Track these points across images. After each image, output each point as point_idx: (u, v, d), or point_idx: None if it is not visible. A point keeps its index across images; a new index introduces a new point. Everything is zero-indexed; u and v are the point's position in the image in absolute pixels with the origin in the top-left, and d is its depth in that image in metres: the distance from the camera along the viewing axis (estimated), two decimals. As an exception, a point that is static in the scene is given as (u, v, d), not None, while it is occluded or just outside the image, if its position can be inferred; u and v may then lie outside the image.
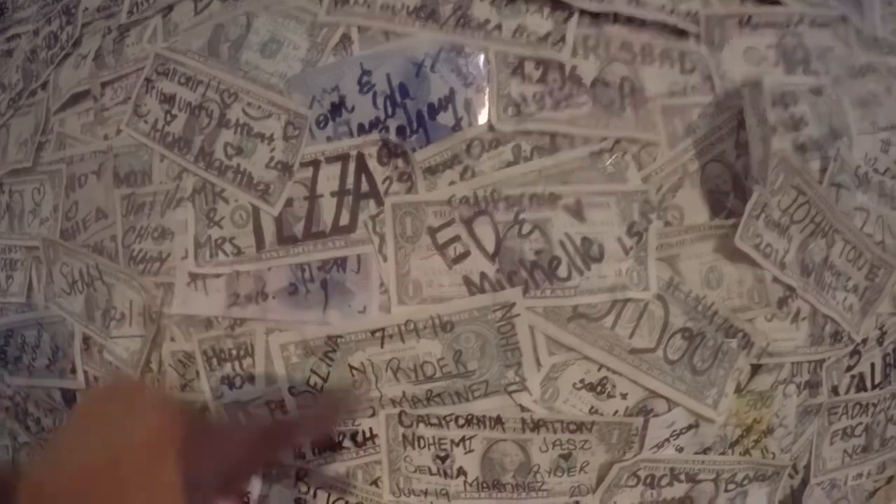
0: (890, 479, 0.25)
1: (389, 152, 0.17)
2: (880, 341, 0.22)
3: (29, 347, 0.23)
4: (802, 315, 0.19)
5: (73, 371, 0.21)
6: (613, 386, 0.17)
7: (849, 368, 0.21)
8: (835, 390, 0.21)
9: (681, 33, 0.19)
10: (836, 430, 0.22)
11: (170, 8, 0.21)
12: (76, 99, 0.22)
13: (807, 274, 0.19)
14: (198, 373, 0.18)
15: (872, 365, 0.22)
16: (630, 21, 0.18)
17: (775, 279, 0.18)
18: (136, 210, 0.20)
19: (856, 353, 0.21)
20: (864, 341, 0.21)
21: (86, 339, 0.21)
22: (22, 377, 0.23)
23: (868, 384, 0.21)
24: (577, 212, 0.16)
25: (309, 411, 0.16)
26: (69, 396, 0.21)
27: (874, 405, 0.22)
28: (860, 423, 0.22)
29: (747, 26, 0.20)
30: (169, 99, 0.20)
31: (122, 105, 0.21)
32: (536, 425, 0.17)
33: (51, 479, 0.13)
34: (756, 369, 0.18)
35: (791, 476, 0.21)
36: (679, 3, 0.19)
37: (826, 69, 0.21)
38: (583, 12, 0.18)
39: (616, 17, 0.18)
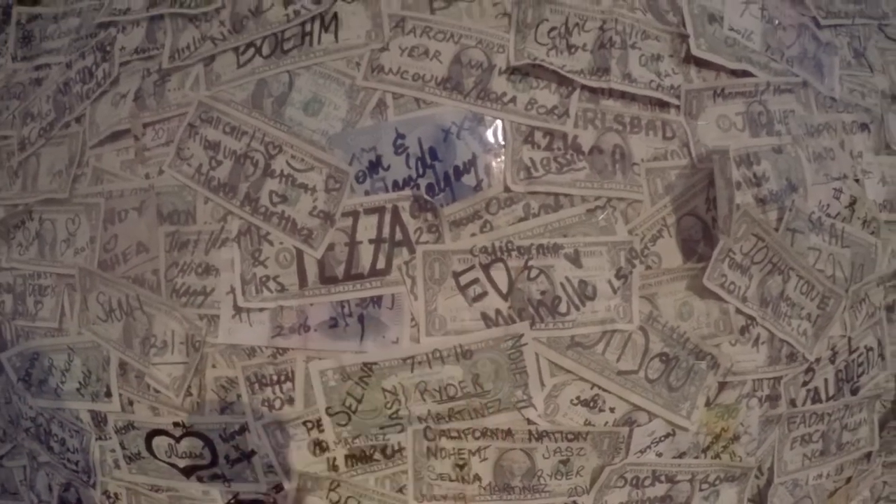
0: (848, 480, 0.32)
1: (420, 207, 0.23)
2: (832, 360, 0.29)
3: (57, 371, 0.28)
4: (762, 340, 0.26)
5: (108, 394, 0.25)
6: (604, 401, 0.23)
7: (805, 383, 0.28)
8: (793, 402, 0.28)
9: (664, 105, 0.26)
10: (796, 437, 0.29)
11: (212, 58, 0.26)
12: (115, 136, 0.27)
13: (765, 305, 0.26)
14: (239, 396, 0.24)
15: (826, 380, 0.29)
16: (623, 95, 0.25)
17: (738, 311, 0.25)
18: (179, 247, 0.25)
19: (810, 370, 0.28)
20: (818, 360, 0.28)
21: (122, 365, 0.25)
22: (47, 399, 0.27)
23: (823, 397, 0.29)
24: (575, 259, 0.23)
25: None
26: (99, 418, 0.25)
27: (829, 415, 0.29)
28: (817, 431, 0.29)
29: (720, 96, 0.27)
30: (213, 146, 0.25)
31: (164, 147, 0.26)
32: (540, 436, 0.23)
33: None
34: (722, 386, 0.25)
35: (757, 477, 0.28)
36: (664, 78, 0.26)
37: (787, 129, 0.28)
38: (583, 87, 0.24)
39: (611, 92, 0.25)
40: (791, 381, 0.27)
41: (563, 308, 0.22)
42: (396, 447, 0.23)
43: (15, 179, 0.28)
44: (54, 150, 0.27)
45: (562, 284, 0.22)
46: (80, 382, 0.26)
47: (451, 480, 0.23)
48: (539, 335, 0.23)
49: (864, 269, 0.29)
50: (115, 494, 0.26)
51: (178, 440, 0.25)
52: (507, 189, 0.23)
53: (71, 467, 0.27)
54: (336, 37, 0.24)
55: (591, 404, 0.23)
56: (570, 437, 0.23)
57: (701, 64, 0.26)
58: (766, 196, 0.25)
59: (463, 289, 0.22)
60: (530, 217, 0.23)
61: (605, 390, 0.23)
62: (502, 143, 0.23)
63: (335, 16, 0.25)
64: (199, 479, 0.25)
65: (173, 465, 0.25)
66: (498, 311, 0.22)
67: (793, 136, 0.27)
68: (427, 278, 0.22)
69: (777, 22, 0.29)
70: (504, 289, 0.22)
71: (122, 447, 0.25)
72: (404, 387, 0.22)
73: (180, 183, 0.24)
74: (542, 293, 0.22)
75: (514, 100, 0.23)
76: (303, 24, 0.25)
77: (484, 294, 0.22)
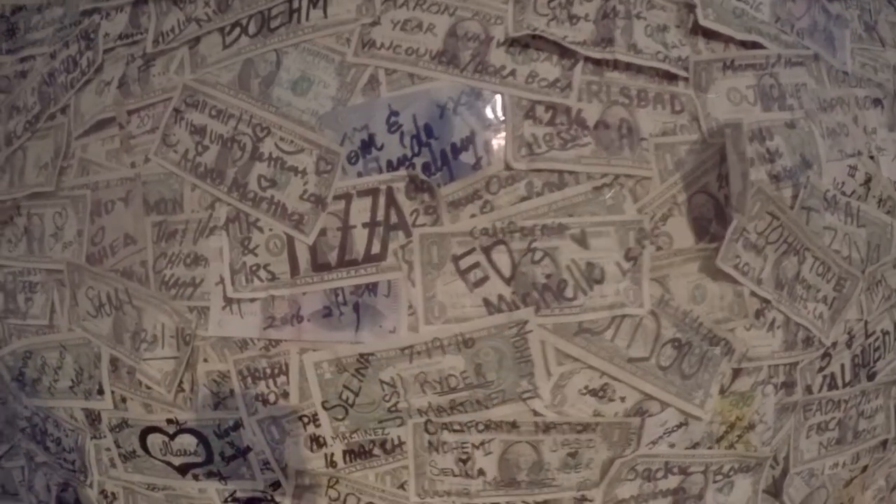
0: (864, 469, 0.30)
1: (416, 188, 0.21)
2: (849, 344, 0.27)
3: (50, 369, 0.26)
4: (777, 324, 0.24)
5: (101, 392, 0.24)
6: (613, 391, 0.21)
7: (821, 369, 0.26)
8: (808, 389, 0.26)
9: (672, 77, 0.23)
10: (812, 425, 0.27)
11: (197, 40, 0.24)
12: (100, 125, 0.25)
13: (780, 288, 0.23)
14: (232, 391, 0.22)
15: (842, 366, 0.27)
16: (628, 67, 0.22)
17: (752, 293, 0.23)
18: (167, 237, 0.23)
19: (826, 355, 0.26)
20: (834, 345, 0.26)
21: (113, 361, 0.24)
22: (42, 398, 0.25)
23: (839, 383, 0.27)
24: (581, 240, 0.21)
25: None
26: (93, 416, 0.24)
27: (845, 402, 0.27)
28: (833, 418, 0.27)
29: (730, 69, 0.24)
30: (199, 130, 0.23)
31: (149, 134, 0.24)
32: (547, 428, 0.21)
33: None
34: (737, 373, 0.23)
35: (773, 467, 0.26)
36: (671, 50, 0.23)
37: (800, 104, 0.26)
38: (587, 59, 0.22)
39: (616, 64, 0.22)
40: (807, 367, 0.25)
41: (569, 292, 0.20)
42: (396, 442, 0.21)
43: (2, 175, 0.26)
44: (40, 143, 0.26)
45: (568, 267, 0.20)
46: (72, 380, 0.24)
47: (454, 475, 0.21)
48: (545, 321, 0.20)
49: (880, 250, 0.26)
50: (113, 494, 0.24)
51: (171, 437, 0.23)
52: (507, 167, 0.21)
53: (67, 467, 0.25)
54: (325, 12, 0.22)
55: (601, 394, 0.21)
56: (578, 428, 0.21)
57: (708, 35, 0.23)
58: (780, 173, 0.23)
59: (463, 273, 0.20)
60: (533, 196, 0.20)
61: (615, 379, 0.21)
62: (502, 118, 0.21)
63: (324, -10, 0.24)
64: (195, 477, 0.23)
65: (168, 464, 0.23)
66: (501, 297, 0.20)
67: (805, 111, 0.24)
68: (425, 263, 0.20)
69: (786, -8, 0.28)
70: (507, 273, 0.20)
71: (117, 445, 0.24)
72: (403, 378, 0.20)
73: (166, 171, 0.22)
74: (548, 277, 0.20)
75: (513, 73, 0.21)
76: (290, 0, 0.23)
77: (485, 279, 0.20)
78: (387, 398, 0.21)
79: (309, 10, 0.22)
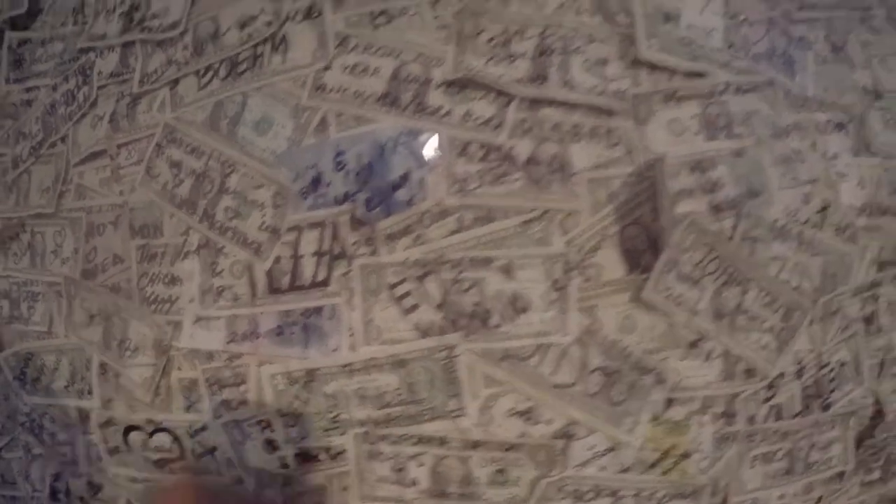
0: (819, 500, 0.30)
1: (358, 222, 0.23)
2: (798, 375, 0.27)
3: (48, 370, 0.30)
4: (715, 354, 0.25)
5: (91, 392, 0.28)
6: (540, 413, 0.23)
7: (766, 400, 0.26)
8: (752, 419, 0.26)
9: (609, 111, 0.24)
10: (756, 455, 0.27)
11: (176, 81, 0.27)
12: (94, 156, 0.29)
13: (720, 318, 0.24)
14: (201, 396, 0.25)
15: (791, 396, 0.27)
16: (563, 103, 0.24)
17: (687, 324, 0.24)
18: (149, 258, 0.27)
19: (772, 386, 0.26)
20: (781, 376, 0.26)
21: (102, 366, 0.28)
22: (40, 396, 0.30)
23: (786, 414, 0.27)
24: (507, 271, 0.23)
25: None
26: (84, 414, 0.28)
27: (795, 433, 0.27)
28: (780, 449, 0.27)
29: (672, 100, 0.25)
30: (177, 164, 0.26)
31: (135, 166, 0.27)
32: (475, 445, 0.23)
33: None
34: (671, 401, 0.24)
35: (714, 494, 0.27)
36: (609, 83, 0.25)
37: (750, 131, 0.26)
38: (521, 96, 0.24)
39: (551, 101, 0.24)
40: (750, 398, 0.25)
41: (494, 320, 0.22)
42: (340, 449, 0.24)
43: (10, 194, 0.31)
44: (43, 168, 0.30)
45: (494, 297, 0.22)
46: (67, 381, 0.29)
47: (391, 483, 0.24)
48: (472, 346, 0.23)
49: (836, 279, 0.26)
50: (99, 484, 0.28)
51: (150, 435, 0.26)
52: (440, 202, 0.23)
53: (60, 458, 0.29)
54: (284, 57, 0.25)
55: (527, 416, 0.23)
56: (505, 447, 0.23)
57: (653, 66, 0.24)
58: (722, 203, 0.23)
59: (397, 300, 0.23)
60: (463, 230, 0.23)
61: (540, 403, 0.23)
62: (437, 156, 0.23)
63: (284, 37, 0.25)
64: (171, 472, 0.26)
65: (147, 458, 0.26)
66: (431, 322, 0.23)
67: (756, 138, 0.25)
68: (364, 290, 0.23)
69: (743, 17, 0.27)
70: (437, 300, 0.22)
71: (104, 441, 0.27)
72: (344, 392, 0.23)
73: (149, 199, 0.26)
74: (475, 305, 0.22)
75: (449, 112, 0.23)
76: (255, 46, 0.26)
77: (417, 305, 0.23)
78: (330, 409, 0.23)
79: (271, 55, 0.25)
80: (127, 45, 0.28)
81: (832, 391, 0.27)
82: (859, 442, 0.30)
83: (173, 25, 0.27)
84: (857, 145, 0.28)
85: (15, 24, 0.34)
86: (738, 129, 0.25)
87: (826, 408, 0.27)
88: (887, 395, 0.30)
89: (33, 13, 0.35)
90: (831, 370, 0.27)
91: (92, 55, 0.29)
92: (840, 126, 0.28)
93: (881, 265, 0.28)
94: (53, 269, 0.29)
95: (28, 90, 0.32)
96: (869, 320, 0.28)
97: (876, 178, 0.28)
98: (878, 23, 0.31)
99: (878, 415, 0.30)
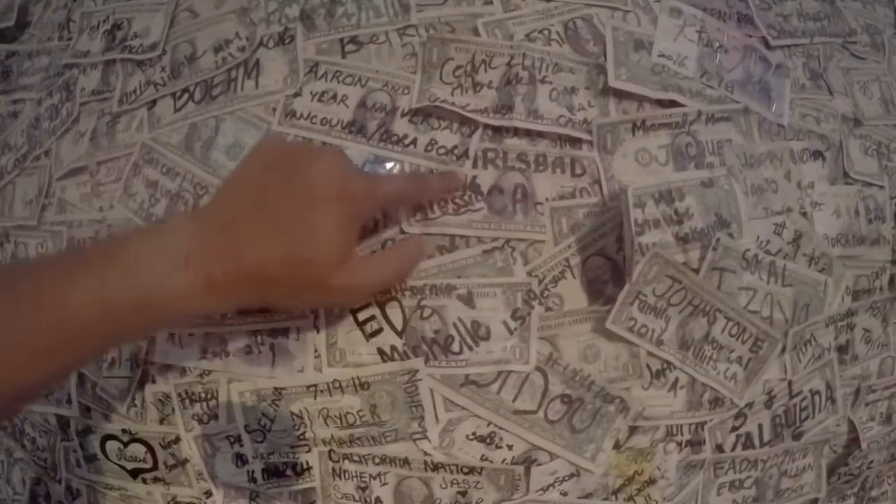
0: None
1: None
2: (768, 405, 0.28)
3: None
4: (681, 384, 0.26)
5: (69, 401, 0.29)
6: (501, 438, 0.24)
7: (734, 429, 0.27)
8: (719, 448, 0.27)
9: (576, 141, 0.25)
10: (724, 482, 0.28)
11: (154, 102, 0.28)
12: (75, 171, 0.30)
13: (686, 348, 0.25)
14: (173, 409, 0.27)
15: (760, 425, 0.28)
16: (528, 133, 0.25)
17: (651, 353, 0.25)
18: (125, 275, 0.28)
19: (741, 415, 0.27)
20: (750, 405, 0.27)
21: (80, 376, 0.29)
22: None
23: (756, 442, 0.28)
24: (468, 300, 0.24)
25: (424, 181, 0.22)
26: (63, 422, 0.29)
27: (763, 461, 0.28)
28: (749, 476, 0.28)
29: (640, 129, 0.26)
30: (153, 184, 0.28)
31: (114, 183, 0.29)
32: (436, 466, 0.24)
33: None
34: (634, 429, 0.25)
35: None
36: (576, 112, 0.25)
37: (721, 161, 0.27)
38: (487, 126, 0.25)
39: (517, 130, 0.25)
40: (717, 426, 0.26)
41: (455, 347, 0.23)
42: (305, 466, 0.25)
43: (-4, 204, 0.34)
44: (27, 180, 0.31)
45: (454, 324, 0.23)
46: (48, 389, 0.31)
47: (355, 501, 0.25)
48: (433, 372, 0.24)
49: (809, 309, 0.27)
50: (77, 490, 0.30)
51: (125, 445, 0.28)
52: (402, 230, 0.24)
53: (41, 464, 0.31)
54: (256, 83, 0.26)
55: (488, 440, 0.24)
56: (465, 470, 0.24)
57: (622, 95, 0.25)
58: (689, 234, 0.24)
59: (361, 324, 0.24)
60: (425, 258, 0.24)
61: (501, 428, 0.24)
62: None
63: (257, 62, 0.26)
64: (144, 481, 0.28)
65: (122, 467, 0.28)
66: (393, 347, 0.24)
67: (727, 168, 0.26)
68: (328, 313, 0.24)
69: (718, 45, 0.27)
70: (399, 326, 0.23)
71: (82, 448, 0.29)
72: (309, 412, 0.24)
73: (127, 217, 0.27)
74: (436, 332, 0.23)
75: (414, 141, 0.24)
76: (229, 70, 0.27)
77: (380, 330, 0.24)
78: (296, 427, 0.25)
79: (244, 81, 0.26)
80: (108, 64, 0.30)
81: (804, 420, 0.28)
82: (832, 469, 0.31)
83: (153, 46, 0.29)
84: (835, 174, 0.29)
85: (3, 35, 0.36)
86: (709, 159, 0.26)
87: (798, 436, 0.28)
88: (863, 423, 0.30)
89: (21, 26, 0.37)
90: (803, 399, 0.28)
91: (76, 71, 0.31)
92: (817, 154, 0.28)
93: (856, 294, 0.29)
94: (36, 281, 0.32)
95: (14, 102, 0.34)
96: (844, 349, 0.29)
97: (853, 207, 0.29)
98: (860, 49, 0.31)
99: (853, 443, 0.31)
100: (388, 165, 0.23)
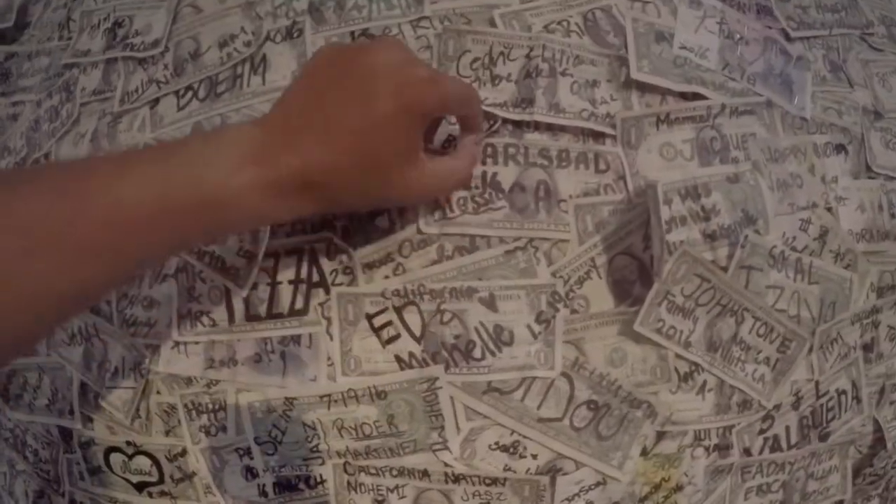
0: None
1: (336, 249, 0.22)
2: (795, 406, 0.26)
3: (30, 387, 0.29)
4: (709, 387, 0.24)
5: (72, 412, 0.27)
6: (525, 448, 0.22)
7: (762, 431, 0.25)
8: (747, 451, 0.25)
9: (598, 135, 0.23)
10: (751, 487, 0.26)
11: (156, 101, 0.26)
12: (75, 174, 0.28)
13: (714, 350, 0.23)
14: (179, 421, 0.24)
15: (787, 427, 0.26)
16: (550, 127, 0.23)
17: (679, 356, 0.23)
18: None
19: (769, 417, 0.25)
20: (778, 406, 0.25)
21: (83, 386, 0.27)
22: (23, 413, 0.29)
23: (783, 445, 0.26)
24: (490, 303, 0.21)
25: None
26: (66, 433, 0.27)
27: (791, 463, 0.26)
28: (776, 480, 0.26)
29: (664, 123, 0.24)
30: (155, 186, 0.25)
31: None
32: (457, 478, 0.22)
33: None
34: (661, 435, 0.23)
35: None
36: (599, 106, 0.23)
37: (746, 156, 0.25)
38: (507, 121, 0.23)
39: (537, 125, 0.23)
40: (745, 430, 0.24)
41: (477, 353, 0.22)
42: (319, 479, 0.23)
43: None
44: None
45: (476, 329, 0.21)
46: (48, 399, 0.28)
47: (371, 515, 0.24)
48: (454, 379, 0.22)
49: (835, 307, 0.25)
50: (81, 503, 0.29)
51: (130, 457, 0.26)
52: (419, 231, 0.22)
53: (43, 476, 0.29)
54: (263, 79, 0.24)
55: (512, 450, 0.22)
56: (487, 481, 0.22)
57: (645, 88, 0.23)
58: (716, 231, 0.22)
59: (377, 331, 0.22)
60: (444, 260, 0.22)
61: (525, 437, 0.22)
62: None
63: (264, 57, 0.24)
64: (150, 495, 0.26)
65: (127, 481, 0.26)
66: (411, 354, 0.22)
67: (752, 162, 0.24)
68: (342, 319, 0.22)
69: (738, 36, 0.26)
70: (417, 332, 0.22)
71: (86, 461, 0.27)
72: (322, 423, 0.22)
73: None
74: (456, 337, 0.21)
75: (430, 138, 0.22)
76: (234, 66, 0.25)
77: (397, 336, 0.22)
78: (309, 439, 0.23)
79: (250, 77, 0.24)
80: (109, 62, 0.28)
81: (831, 420, 0.26)
82: (857, 471, 0.29)
83: (155, 43, 0.27)
84: (857, 168, 0.27)
85: (3, 37, 0.34)
86: (734, 154, 0.24)
87: (824, 437, 0.26)
88: (887, 422, 0.29)
89: (20, 26, 0.35)
90: (830, 399, 0.26)
91: (76, 71, 0.29)
92: (839, 148, 0.27)
93: (881, 291, 0.27)
94: (36, 288, 0.30)
95: (14, 104, 0.32)
96: (868, 347, 0.28)
97: (876, 202, 0.27)
98: (878, 40, 0.30)
99: (878, 443, 0.29)
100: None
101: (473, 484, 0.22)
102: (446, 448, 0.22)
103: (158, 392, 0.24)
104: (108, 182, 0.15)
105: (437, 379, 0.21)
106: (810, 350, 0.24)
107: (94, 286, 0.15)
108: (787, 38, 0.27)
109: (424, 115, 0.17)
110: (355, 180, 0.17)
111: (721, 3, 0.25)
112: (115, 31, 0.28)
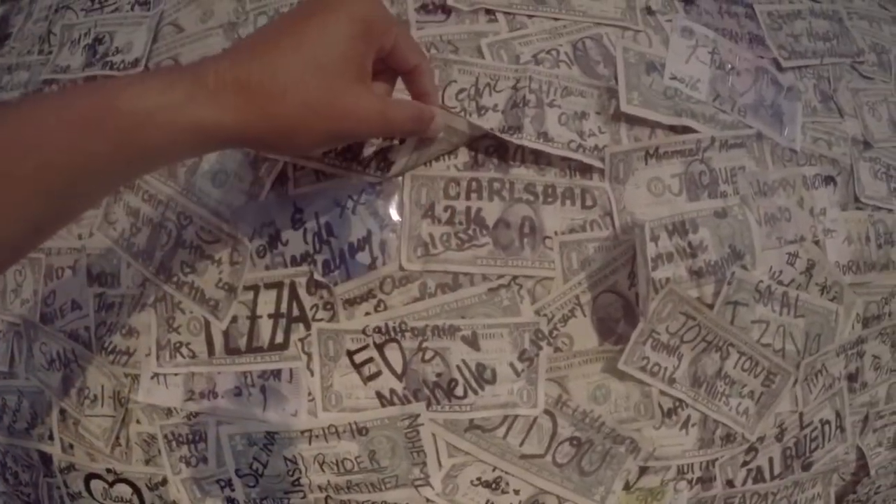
0: None
1: (316, 284, 0.22)
2: (779, 437, 0.26)
3: (10, 410, 0.29)
4: (693, 422, 0.24)
5: (51, 438, 0.27)
6: (507, 483, 0.22)
7: (745, 463, 0.25)
8: (730, 483, 0.25)
9: (586, 170, 0.23)
10: (734, 517, 0.26)
11: (135, 123, 0.26)
12: (53, 196, 0.28)
13: (698, 385, 0.23)
14: (160, 451, 0.24)
15: (771, 459, 0.26)
16: (536, 162, 0.23)
17: (663, 392, 0.22)
18: (106, 307, 0.25)
19: (752, 449, 0.25)
20: (762, 439, 0.25)
21: (62, 412, 0.26)
22: (2, 436, 0.29)
23: (766, 476, 0.26)
24: (473, 342, 0.21)
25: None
26: (45, 458, 0.27)
27: (774, 494, 0.27)
28: (760, 510, 0.27)
29: (653, 157, 0.24)
30: (134, 212, 0.25)
31: (94, 209, 0.26)
32: (439, 515, 0.23)
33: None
34: (644, 469, 0.23)
35: None
36: (587, 138, 0.23)
37: (734, 190, 0.25)
38: (490, 154, 0.22)
39: (524, 159, 0.23)
40: (728, 462, 0.24)
41: (459, 391, 0.21)
42: (302, 512, 0.24)
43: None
44: None
45: (458, 367, 0.21)
46: (27, 423, 0.27)
47: (353, 549, 0.24)
48: (435, 417, 0.22)
49: (821, 339, 0.25)
50: None
51: (111, 485, 0.25)
52: (402, 267, 0.21)
53: (24, 498, 0.29)
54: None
55: (494, 486, 0.22)
56: (469, 517, 0.23)
57: (634, 121, 0.23)
58: (703, 268, 0.22)
59: (358, 367, 0.21)
60: (426, 297, 0.21)
61: (507, 473, 0.22)
62: (398, 218, 0.22)
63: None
64: (133, 523, 0.26)
65: (108, 508, 0.27)
66: (393, 391, 0.21)
67: (741, 197, 0.24)
68: (322, 355, 0.22)
69: (730, 67, 0.25)
70: (399, 369, 0.21)
71: (66, 486, 0.27)
72: (303, 457, 0.22)
73: (107, 246, 0.25)
74: (438, 375, 0.21)
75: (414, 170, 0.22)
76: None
77: (378, 373, 0.21)
78: (290, 473, 0.22)
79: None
80: (89, 80, 0.27)
81: (814, 450, 0.26)
82: (840, 498, 0.29)
83: (135, 62, 0.26)
84: (845, 199, 0.27)
85: None
86: (723, 188, 0.24)
87: (807, 467, 0.26)
88: (871, 449, 0.29)
89: (1, 38, 0.34)
90: (813, 429, 0.26)
91: (55, 88, 0.28)
92: (828, 179, 0.26)
93: (867, 321, 0.27)
94: (13, 310, 0.27)
95: None
96: (853, 377, 0.28)
97: (864, 233, 0.27)
98: (868, 68, 0.29)
99: (862, 470, 0.29)
100: (385, 195, 0.21)
101: (456, 520, 0.23)
102: (428, 484, 0.22)
103: (138, 421, 0.24)
104: (62, 97, 0.14)
105: (418, 416, 0.21)
106: (795, 382, 0.24)
107: (54, 199, 0.13)
108: (779, 67, 0.26)
109: (376, 36, 0.16)
110: (297, 80, 0.15)
111: (714, 32, 0.25)
112: (96, 47, 0.27)
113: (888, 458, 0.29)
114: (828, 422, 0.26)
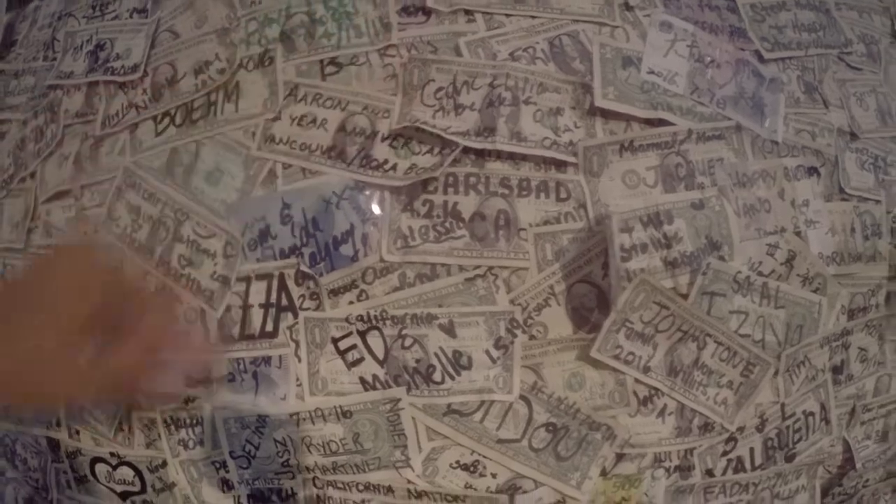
0: None
1: (303, 275, 0.24)
2: (760, 428, 0.27)
3: None
4: (669, 410, 0.25)
5: (59, 424, 0.29)
6: (484, 467, 0.24)
7: (725, 453, 0.27)
8: (709, 472, 0.26)
9: (561, 164, 0.25)
10: (715, 507, 0.27)
11: (136, 125, 0.28)
12: (60, 195, 0.30)
13: (674, 374, 0.25)
14: (159, 434, 0.27)
15: (752, 449, 0.27)
16: (511, 156, 0.24)
17: (638, 381, 0.24)
18: (109, 299, 0.28)
19: (732, 439, 0.26)
20: (742, 429, 0.26)
21: None
22: (12, 423, 0.31)
23: (747, 466, 0.27)
24: (449, 329, 0.23)
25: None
26: (53, 443, 0.29)
27: (755, 484, 0.28)
28: (741, 500, 0.28)
29: (628, 150, 0.25)
30: (135, 210, 0.27)
31: (98, 207, 0.28)
32: (419, 494, 0.24)
33: None
34: (621, 456, 0.25)
35: None
36: (562, 134, 0.25)
37: (712, 181, 0.26)
38: (468, 150, 0.24)
39: (499, 154, 0.24)
40: (707, 452, 0.25)
41: (437, 377, 0.23)
42: (290, 492, 0.25)
43: (-16, 225, 0.34)
44: (14, 202, 0.31)
45: (436, 354, 0.23)
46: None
47: (340, 528, 0.26)
48: (415, 401, 0.23)
49: (802, 331, 0.26)
50: None
51: (114, 468, 0.28)
52: (382, 259, 0.23)
53: (32, 484, 0.31)
54: (236, 106, 0.26)
55: (472, 469, 0.23)
56: (448, 498, 0.24)
57: (609, 115, 0.24)
58: (677, 258, 0.23)
59: (342, 353, 0.23)
60: (405, 287, 0.23)
61: (484, 457, 0.23)
62: (379, 212, 0.23)
63: (237, 85, 0.26)
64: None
65: (112, 490, 0.28)
66: (375, 377, 0.23)
67: (719, 188, 0.25)
68: (309, 342, 0.24)
69: (709, 60, 0.26)
70: (380, 356, 0.23)
71: (73, 470, 0.29)
72: (292, 439, 0.24)
73: (111, 242, 0.27)
74: (417, 361, 0.23)
75: (394, 167, 0.24)
76: (209, 93, 0.26)
77: (361, 359, 0.23)
78: (280, 454, 0.24)
79: (224, 104, 0.26)
80: (92, 85, 0.29)
81: (797, 442, 0.27)
82: (826, 490, 0.30)
83: (134, 68, 0.28)
84: (830, 190, 0.28)
85: None
86: (700, 179, 0.25)
87: (790, 458, 0.27)
88: (858, 442, 0.30)
89: (7, 44, 0.37)
90: (796, 421, 0.27)
91: (59, 93, 0.30)
92: (812, 170, 0.27)
93: (852, 313, 0.28)
94: (25, 304, 0.32)
95: (1, 122, 0.33)
96: (838, 369, 0.28)
97: (849, 224, 0.28)
98: (856, 59, 0.30)
99: (848, 463, 0.30)
100: (368, 192, 0.23)
101: (435, 500, 0.24)
102: (409, 466, 0.23)
103: (140, 407, 0.27)
104: None
105: (399, 400, 0.23)
106: (776, 373, 0.25)
107: None
108: (761, 59, 0.27)
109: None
110: None
111: (693, 25, 0.25)
112: (97, 53, 0.30)
113: (877, 451, 0.30)
114: (812, 413, 0.27)
